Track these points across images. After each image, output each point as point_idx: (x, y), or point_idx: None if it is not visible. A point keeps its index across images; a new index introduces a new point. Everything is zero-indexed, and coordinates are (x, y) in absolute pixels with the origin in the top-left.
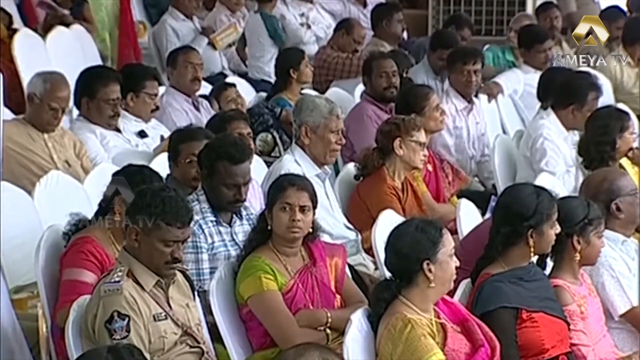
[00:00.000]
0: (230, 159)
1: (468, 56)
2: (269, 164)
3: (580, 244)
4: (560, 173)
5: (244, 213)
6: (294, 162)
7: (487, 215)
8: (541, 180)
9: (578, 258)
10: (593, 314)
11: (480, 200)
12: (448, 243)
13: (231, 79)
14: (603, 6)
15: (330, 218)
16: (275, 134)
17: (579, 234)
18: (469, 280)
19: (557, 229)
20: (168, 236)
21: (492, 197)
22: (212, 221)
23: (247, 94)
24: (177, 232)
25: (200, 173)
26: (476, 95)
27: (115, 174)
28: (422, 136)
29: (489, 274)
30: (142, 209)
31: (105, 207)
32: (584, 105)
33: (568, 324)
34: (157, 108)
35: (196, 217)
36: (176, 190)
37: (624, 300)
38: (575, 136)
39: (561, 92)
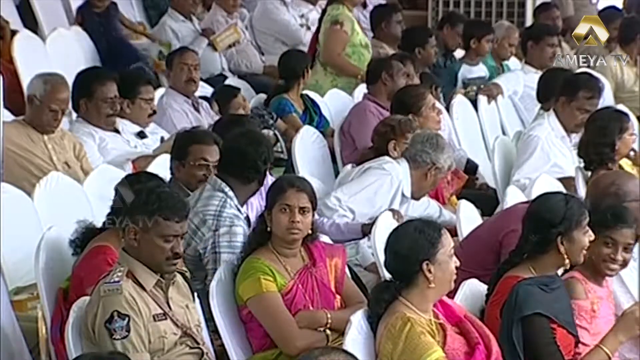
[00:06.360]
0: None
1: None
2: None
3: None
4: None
5: None
6: (401, 172)
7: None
8: (541, 181)
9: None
10: (605, 317)
11: (483, 202)
12: (447, 243)
13: (231, 80)
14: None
15: None
16: (276, 131)
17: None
18: (470, 281)
19: (591, 235)
20: (167, 231)
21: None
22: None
23: (247, 96)
24: (176, 226)
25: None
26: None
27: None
28: None
29: (519, 277)
30: (140, 207)
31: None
32: (573, 99)
33: (577, 341)
34: (154, 112)
35: (231, 211)
36: (170, 187)
37: (627, 297)
38: (576, 137)
39: (558, 86)
